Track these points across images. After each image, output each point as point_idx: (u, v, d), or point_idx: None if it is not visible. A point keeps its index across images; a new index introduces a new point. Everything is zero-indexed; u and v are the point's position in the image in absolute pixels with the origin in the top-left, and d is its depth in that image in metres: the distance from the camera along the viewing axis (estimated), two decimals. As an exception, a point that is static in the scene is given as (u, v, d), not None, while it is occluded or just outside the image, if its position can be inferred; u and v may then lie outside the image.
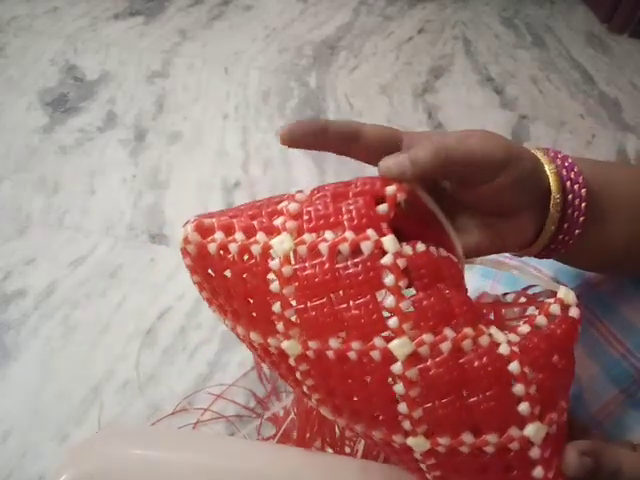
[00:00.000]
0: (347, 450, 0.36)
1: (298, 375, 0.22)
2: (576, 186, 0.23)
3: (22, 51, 1.00)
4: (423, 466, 0.22)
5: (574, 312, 0.22)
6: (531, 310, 0.23)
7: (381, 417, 0.21)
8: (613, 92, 1.11)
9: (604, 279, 0.29)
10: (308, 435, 0.33)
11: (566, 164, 0.24)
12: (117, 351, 0.64)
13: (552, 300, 0.22)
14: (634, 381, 0.27)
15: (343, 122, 0.24)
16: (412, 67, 1.10)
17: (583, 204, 0.23)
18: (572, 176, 0.23)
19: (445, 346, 0.20)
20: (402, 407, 0.20)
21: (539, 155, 0.24)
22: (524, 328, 0.22)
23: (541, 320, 0.22)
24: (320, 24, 1.18)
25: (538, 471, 0.21)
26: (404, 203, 0.22)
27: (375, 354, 0.20)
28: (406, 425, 0.20)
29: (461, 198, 0.24)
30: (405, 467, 0.23)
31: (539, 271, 0.31)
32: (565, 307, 0.22)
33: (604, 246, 0.24)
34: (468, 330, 0.20)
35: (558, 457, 0.21)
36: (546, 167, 0.23)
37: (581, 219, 0.23)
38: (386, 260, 0.20)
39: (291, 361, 0.21)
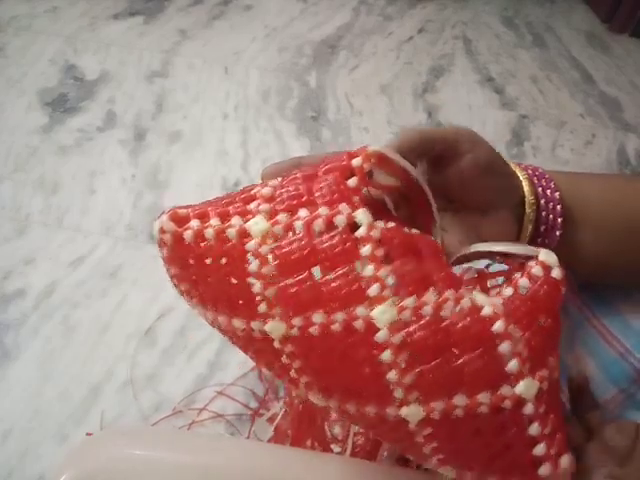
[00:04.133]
0: (337, 450, 0.36)
1: (284, 359, 0.22)
2: (548, 191, 0.25)
3: (22, 51, 1.00)
4: (419, 439, 0.21)
5: (556, 273, 0.22)
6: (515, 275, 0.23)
7: (372, 390, 0.21)
8: (613, 92, 1.11)
9: None
10: (296, 435, 0.33)
11: (537, 173, 0.25)
12: (117, 351, 0.64)
13: (534, 263, 0.22)
14: (634, 381, 0.27)
15: (315, 156, 0.24)
16: (412, 67, 1.10)
17: (558, 206, 0.25)
18: (544, 183, 0.25)
19: (427, 310, 0.20)
20: (391, 375, 0.20)
21: (511, 164, 0.26)
22: (507, 291, 0.22)
23: (524, 282, 0.22)
24: (320, 24, 1.18)
25: (534, 428, 0.21)
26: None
27: (358, 324, 0.20)
28: (398, 394, 0.20)
29: (443, 190, 0.25)
30: (401, 447, 0.23)
31: None
32: (547, 269, 0.22)
33: (575, 252, 0.25)
34: (449, 293, 0.20)
35: (554, 413, 0.21)
36: (518, 173, 0.25)
37: (559, 220, 0.25)
38: (360, 231, 0.21)
39: (276, 344, 0.21)
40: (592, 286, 0.28)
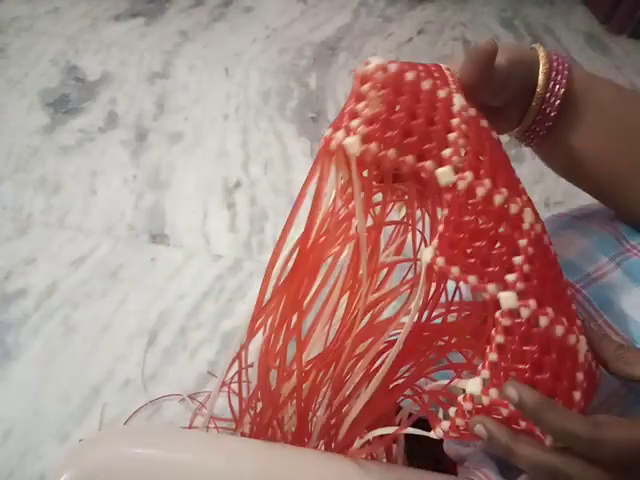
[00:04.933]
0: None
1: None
2: (557, 86, 0.27)
3: (23, 52, 1.01)
4: (524, 243, 0.23)
5: None
6: None
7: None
8: (613, 93, 1.11)
9: (604, 272, 0.29)
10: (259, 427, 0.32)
11: (559, 67, 0.27)
12: (117, 351, 0.64)
13: None
14: None
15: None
16: (412, 68, 1.10)
17: (557, 102, 0.27)
18: (558, 78, 0.27)
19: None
20: None
21: (540, 52, 0.27)
22: None
23: None
24: (320, 25, 1.18)
25: None
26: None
27: None
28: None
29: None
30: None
31: None
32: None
33: (575, 143, 0.27)
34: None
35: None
36: (542, 62, 0.27)
37: (552, 114, 0.27)
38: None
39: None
40: (593, 281, 0.29)
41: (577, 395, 0.23)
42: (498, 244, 0.23)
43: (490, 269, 0.23)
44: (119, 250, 0.74)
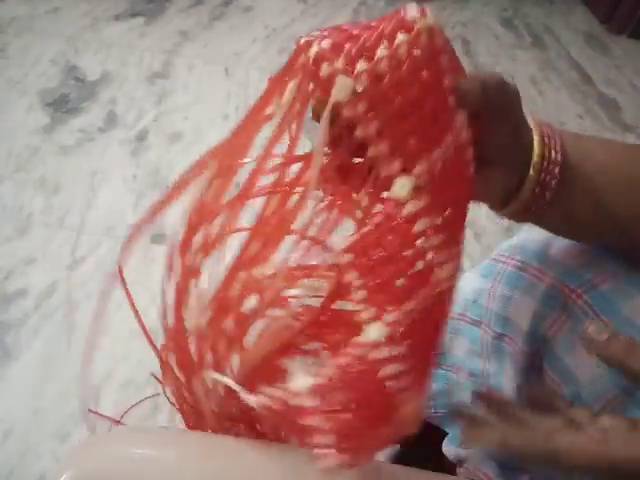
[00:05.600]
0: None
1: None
2: (553, 152, 0.25)
3: (23, 51, 1.00)
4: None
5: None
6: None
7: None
8: (612, 92, 1.12)
9: (605, 278, 0.29)
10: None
11: (549, 132, 0.25)
12: (117, 351, 0.64)
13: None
14: None
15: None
16: (412, 68, 1.10)
17: (557, 169, 0.25)
18: (552, 143, 0.25)
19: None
20: None
21: (530, 120, 0.26)
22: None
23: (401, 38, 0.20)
24: (320, 25, 1.18)
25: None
26: None
27: None
28: None
29: None
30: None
31: (541, 272, 0.31)
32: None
33: (573, 211, 0.26)
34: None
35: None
36: (534, 131, 0.25)
37: (553, 183, 0.25)
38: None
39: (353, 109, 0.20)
40: (594, 286, 0.29)
41: (384, 430, 0.22)
42: (402, 280, 0.21)
43: (379, 282, 0.21)
44: (119, 250, 0.74)
